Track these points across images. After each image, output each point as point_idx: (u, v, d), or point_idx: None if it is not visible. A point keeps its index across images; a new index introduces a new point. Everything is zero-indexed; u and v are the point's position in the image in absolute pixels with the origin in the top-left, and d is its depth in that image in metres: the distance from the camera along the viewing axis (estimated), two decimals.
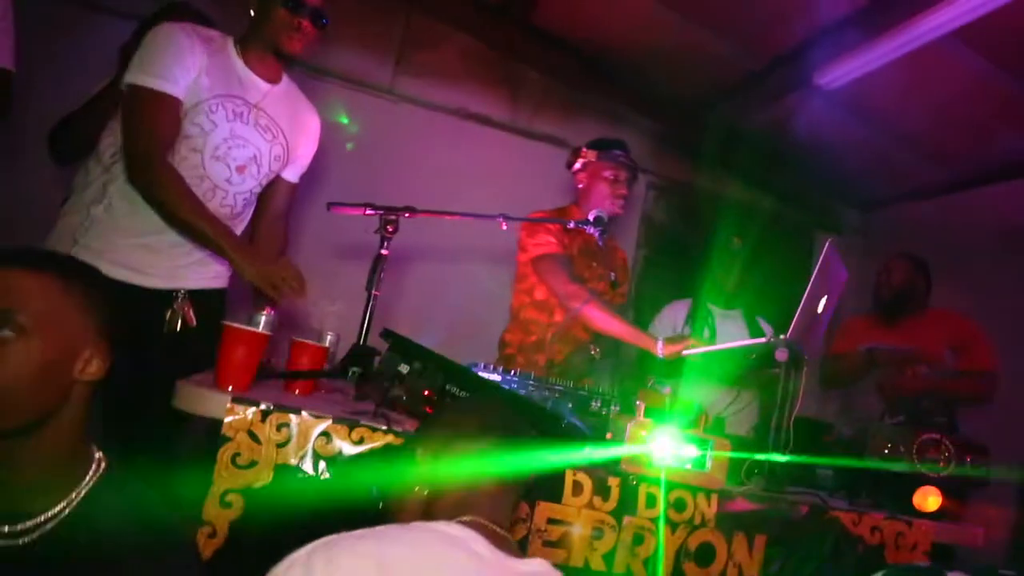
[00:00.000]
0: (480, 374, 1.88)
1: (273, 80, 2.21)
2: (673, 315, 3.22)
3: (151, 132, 1.95)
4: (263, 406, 1.46)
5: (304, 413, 1.47)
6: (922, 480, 1.97)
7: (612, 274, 2.73)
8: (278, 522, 1.42)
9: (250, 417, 1.45)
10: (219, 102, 2.08)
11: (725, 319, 3.29)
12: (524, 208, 2.62)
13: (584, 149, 2.77)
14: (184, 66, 2.00)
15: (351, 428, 1.49)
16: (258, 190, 2.25)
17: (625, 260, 2.92)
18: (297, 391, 1.85)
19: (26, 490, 1.08)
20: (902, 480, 1.98)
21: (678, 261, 4.72)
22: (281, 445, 1.45)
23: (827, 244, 1.98)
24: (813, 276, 1.92)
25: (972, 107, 3.87)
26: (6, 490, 1.08)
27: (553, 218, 2.60)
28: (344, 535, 0.99)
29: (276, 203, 2.33)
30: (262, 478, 1.44)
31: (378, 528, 1.03)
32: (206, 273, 2.18)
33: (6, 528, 1.06)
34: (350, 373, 1.83)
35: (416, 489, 1.18)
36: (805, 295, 1.92)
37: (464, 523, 1.09)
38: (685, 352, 2.20)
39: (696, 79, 4.61)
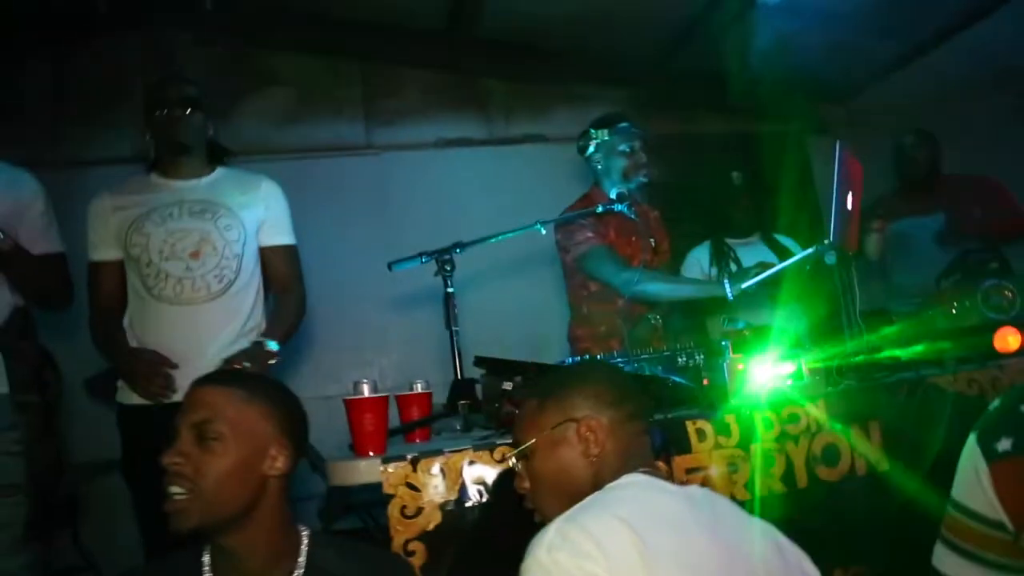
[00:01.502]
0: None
1: (196, 175, 2.41)
2: (695, 263, 3.33)
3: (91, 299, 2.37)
4: (410, 456, 1.60)
5: (446, 452, 1.62)
6: (996, 325, 2.09)
7: (652, 240, 2.84)
8: (460, 554, 1.56)
9: (404, 471, 1.59)
10: (143, 219, 2.31)
11: (746, 249, 3.41)
12: (527, 210, 2.66)
13: (592, 131, 2.83)
14: (101, 230, 2.35)
15: (491, 451, 1.63)
16: (237, 261, 2.34)
17: (659, 219, 2.99)
18: (417, 440, 1.99)
19: (259, 571, 1.29)
20: (978, 332, 2.11)
21: (694, 210, 4.84)
22: (437, 487, 1.60)
23: (838, 146, 2.11)
24: (836, 179, 2.06)
25: None
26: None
27: (584, 210, 2.70)
28: (568, 513, 1.10)
29: (273, 271, 2.46)
30: (433, 520, 1.59)
31: (586, 501, 1.14)
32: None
33: None
34: (459, 406, 1.98)
35: (591, 455, 1.25)
36: (835, 198, 2.05)
37: (644, 473, 1.22)
38: (747, 284, 2.32)
39: (647, 34, 4.73)
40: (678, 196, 5.05)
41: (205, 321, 2.29)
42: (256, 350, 2.25)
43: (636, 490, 1.17)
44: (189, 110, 2.34)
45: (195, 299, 2.26)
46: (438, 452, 1.62)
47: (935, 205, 3.38)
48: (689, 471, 1.70)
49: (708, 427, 1.73)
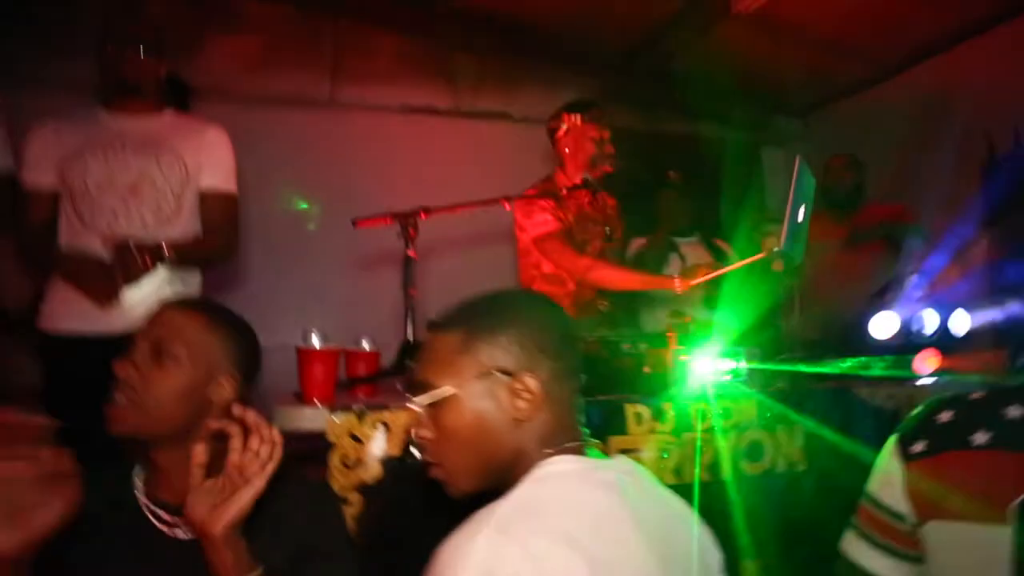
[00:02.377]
0: None
1: (145, 112, 2.39)
2: (635, 253, 3.45)
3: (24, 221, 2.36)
4: (357, 408, 1.63)
5: (393, 408, 1.66)
6: (919, 346, 2.22)
7: (607, 228, 2.90)
8: (397, 509, 1.61)
9: (349, 421, 1.62)
10: (84, 150, 2.29)
11: (688, 246, 3.54)
12: (485, 187, 2.67)
13: (566, 114, 2.85)
14: (40, 155, 2.32)
15: None
16: (176, 201, 2.35)
17: (615, 207, 3.04)
18: (360, 395, 2.02)
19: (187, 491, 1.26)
20: (903, 351, 2.24)
21: (639, 203, 4.94)
22: (380, 441, 1.64)
23: (797, 160, 2.20)
24: (792, 191, 2.15)
25: (878, 5, 4.14)
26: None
27: (548, 191, 2.74)
28: (498, 518, 0.94)
29: (206, 215, 2.44)
30: (372, 472, 1.62)
31: (515, 501, 0.98)
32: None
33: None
34: (407, 367, 2.01)
35: (520, 418, 1.06)
36: (789, 210, 2.14)
37: (574, 452, 1.07)
38: (697, 281, 2.41)
39: (622, 28, 4.79)
40: (635, 188, 5.18)
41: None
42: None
43: (569, 485, 1.02)
44: (141, 50, 2.31)
45: (129, 232, 2.25)
46: (384, 408, 1.66)
47: (843, 233, 3.54)
48: (624, 451, 1.77)
49: (646, 412, 1.81)
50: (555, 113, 2.90)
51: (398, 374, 2.03)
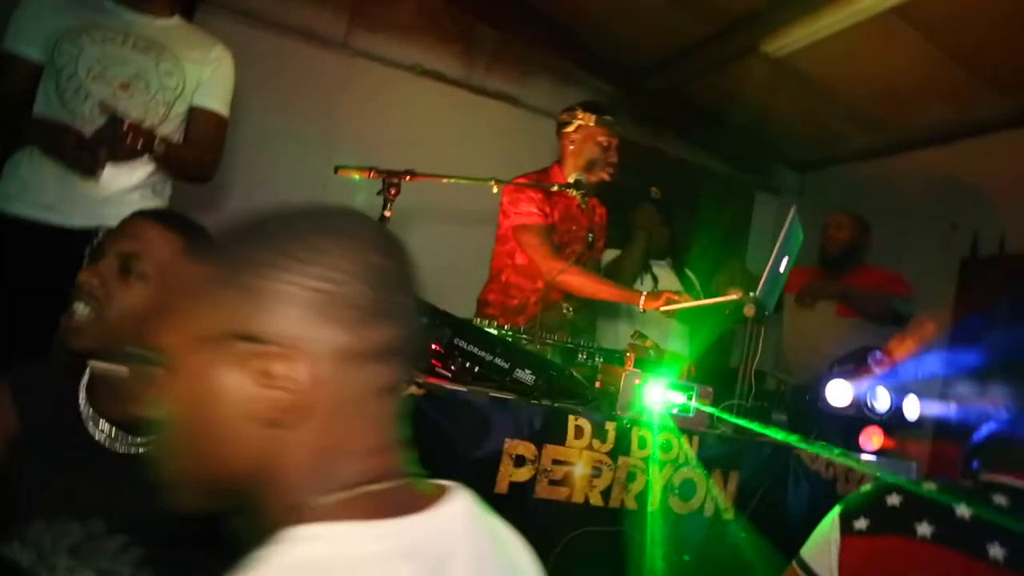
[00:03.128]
0: (489, 329, 2.01)
1: (154, 12, 2.28)
2: (608, 264, 3.41)
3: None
4: None
5: None
6: (866, 421, 2.21)
7: (590, 234, 2.85)
8: None
9: None
10: (81, 31, 2.17)
11: (659, 268, 3.51)
12: (477, 166, 2.66)
13: (580, 111, 2.77)
14: (31, 23, 2.18)
15: None
16: (167, 108, 2.26)
17: (604, 216, 2.99)
18: None
19: (135, 411, 1.21)
20: (850, 422, 2.22)
21: (619, 216, 4.90)
22: None
23: (792, 211, 2.17)
24: (781, 241, 2.12)
25: (905, 80, 4.14)
26: (130, 413, 1.22)
27: (539, 183, 2.68)
28: None
29: (193, 132, 2.35)
30: None
31: None
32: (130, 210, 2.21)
33: (133, 439, 1.23)
34: None
35: (280, 420, 0.67)
36: (772, 257, 2.11)
37: (365, 505, 0.67)
38: (663, 308, 2.36)
39: (648, 41, 4.73)
40: (612, 199, 5.14)
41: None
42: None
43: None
44: None
45: (97, 176, 2.13)
46: None
47: (834, 291, 3.48)
48: (556, 462, 1.72)
49: (587, 427, 1.76)
50: (569, 107, 2.84)
51: None
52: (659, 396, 1.84)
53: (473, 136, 4.68)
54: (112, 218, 2.07)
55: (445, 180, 2.19)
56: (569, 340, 2.16)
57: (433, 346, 1.83)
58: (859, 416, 2.21)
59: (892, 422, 2.24)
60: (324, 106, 4.50)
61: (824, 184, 5.33)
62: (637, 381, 1.81)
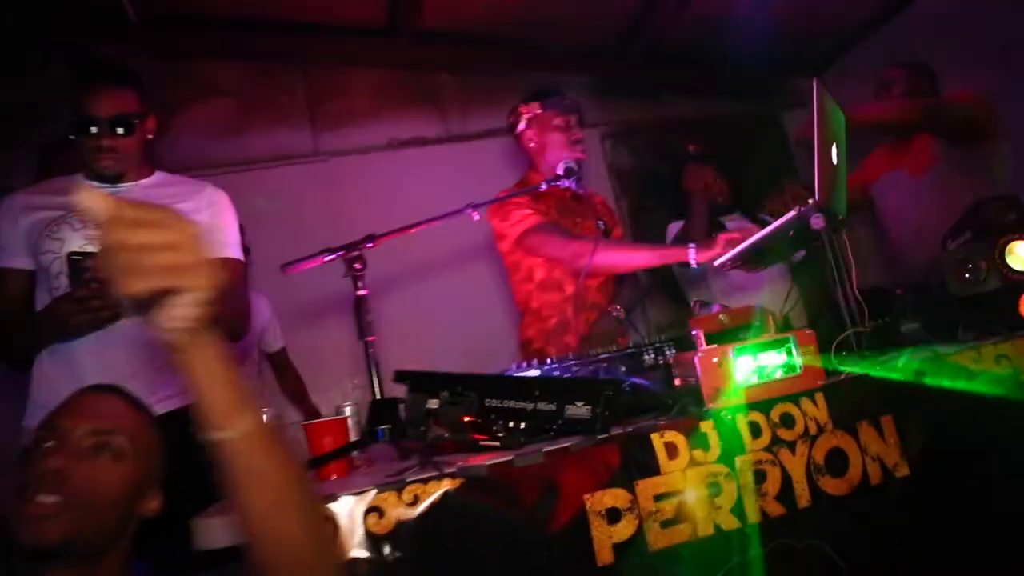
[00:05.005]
0: (517, 375, 1.66)
1: (131, 177, 2.07)
2: (675, 238, 3.06)
3: None
4: None
5: (342, 496, 1.25)
6: (1020, 287, 1.74)
7: (600, 222, 2.52)
8: None
9: None
10: (60, 222, 1.96)
11: (732, 223, 3.14)
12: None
13: (523, 105, 2.56)
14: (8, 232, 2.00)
15: (400, 491, 1.26)
16: None
17: (605, 203, 2.74)
18: (335, 477, 1.63)
19: None
20: (998, 298, 1.76)
21: (666, 197, 4.50)
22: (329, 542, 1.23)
23: (815, 84, 1.76)
24: (815, 124, 1.71)
25: None
26: None
27: (520, 190, 2.38)
28: None
29: None
30: None
31: None
32: (159, 396, 1.92)
33: None
34: (380, 433, 1.62)
35: None
36: (816, 148, 1.70)
37: None
38: (721, 256, 1.97)
39: (603, 17, 4.42)
40: (653, 183, 4.76)
41: (123, 346, 1.91)
42: None
43: None
44: (122, 130, 1.98)
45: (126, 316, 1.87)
46: (330, 497, 1.25)
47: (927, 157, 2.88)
48: (659, 497, 1.33)
49: (680, 439, 1.36)
50: (511, 110, 2.61)
51: (368, 444, 1.63)
52: (751, 366, 1.43)
53: (472, 182, 4.38)
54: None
55: (414, 230, 1.87)
56: (630, 345, 1.78)
57: (466, 419, 1.49)
58: (1005, 284, 1.75)
59: None
60: (315, 213, 4.32)
61: (849, 76, 4.80)
62: (715, 358, 1.41)
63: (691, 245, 2.12)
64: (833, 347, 1.68)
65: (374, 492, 1.25)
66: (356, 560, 1.22)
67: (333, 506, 1.24)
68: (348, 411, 1.81)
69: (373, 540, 1.24)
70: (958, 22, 3.76)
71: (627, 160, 4.89)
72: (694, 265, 2.13)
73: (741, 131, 4.81)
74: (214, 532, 1.28)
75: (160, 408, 1.89)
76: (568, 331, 2.32)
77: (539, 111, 2.52)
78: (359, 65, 4.65)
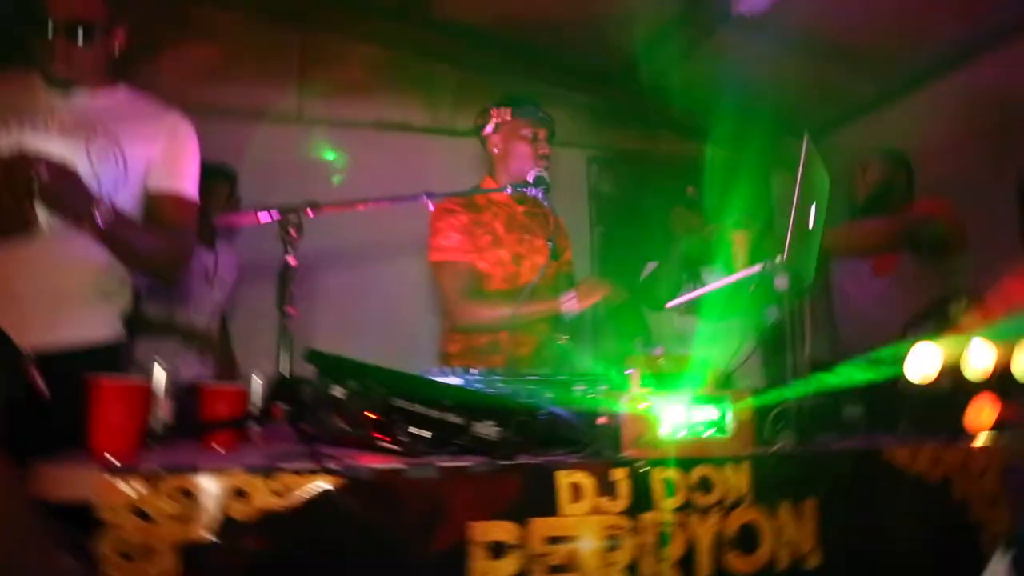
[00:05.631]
0: (435, 379, 1.54)
1: (88, 84, 1.86)
2: (647, 277, 2.97)
3: None
4: (146, 470, 1.10)
5: (204, 469, 1.12)
6: (971, 391, 1.67)
7: (550, 241, 2.41)
8: None
9: (134, 490, 1.09)
10: (3, 120, 1.75)
11: (710, 276, 3.07)
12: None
13: (495, 109, 2.44)
14: None
15: (270, 477, 1.14)
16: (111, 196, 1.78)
17: (561, 225, 2.59)
18: (220, 448, 1.50)
19: None
20: (948, 398, 1.69)
21: (638, 232, 4.44)
22: (183, 519, 1.10)
23: (805, 141, 1.68)
24: (797, 181, 1.63)
25: (900, 6, 3.65)
26: None
27: (476, 190, 2.30)
28: None
29: (160, 218, 1.88)
30: (165, 568, 1.08)
31: None
32: (64, 325, 1.76)
33: None
34: (277, 411, 1.48)
35: None
36: (793, 206, 1.62)
37: None
38: (674, 304, 1.87)
39: (614, 40, 4.35)
40: (629, 215, 4.69)
41: (45, 259, 1.73)
42: None
43: None
44: (81, 38, 1.77)
45: (43, 231, 1.70)
46: (193, 469, 1.12)
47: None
48: (552, 540, 1.22)
49: (588, 482, 1.26)
50: (481, 110, 2.49)
51: (264, 420, 1.51)
52: (681, 418, 1.33)
53: (451, 180, 4.29)
54: (36, 333, 1.71)
55: (363, 207, 1.75)
56: (556, 373, 1.68)
57: (369, 414, 1.37)
58: (956, 387, 1.68)
59: (1001, 387, 1.70)
60: (289, 179, 4.16)
61: (843, 148, 4.78)
62: (643, 404, 1.31)
63: (570, 295, 2.14)
64: (771, 416, 1.58)
65: (242, 474, 1.13)
66: (211, 545, 1.09)
67: (197, 479, 1.11)
68: (255, 383, 1.68)
69: (232, 526, 1.11)
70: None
71: (610, 187, 4.83)
72: (564, 311, 2.13)
73: (728, 180, 4.75)
74: (62, 483, 1.15)
75: (38, 340, 1.73)
76: (497, 353, 2.22)
77: (508, 118, 2.41)
78: (357, 38, 4.52)
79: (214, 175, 3.34)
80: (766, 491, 1.38)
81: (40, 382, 1.60)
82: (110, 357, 1.77)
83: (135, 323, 3.14)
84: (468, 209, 2.36)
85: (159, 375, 1.50)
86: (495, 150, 2.44)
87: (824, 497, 1.42)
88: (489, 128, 2.44)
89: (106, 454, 1.20)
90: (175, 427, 1.49)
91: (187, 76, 4.18)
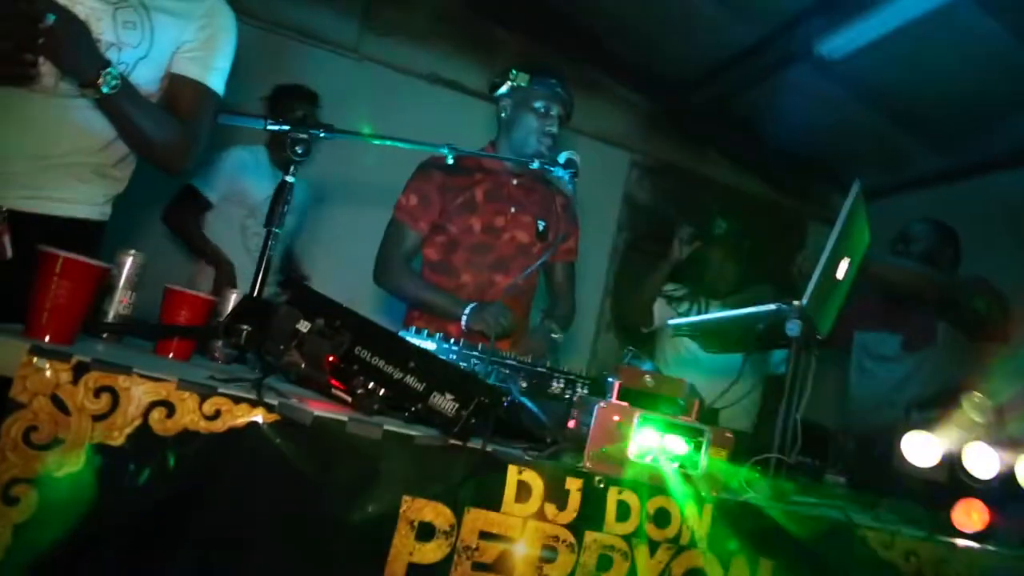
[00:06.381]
0: (408, 338, 1.45)
1: None
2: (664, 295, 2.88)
3: None
4: (75, 359, 1.02)
5: (136, 373, 1.03)
6: (963, 490, 1.56)
7: (541, 222, 2.31)
8: (86, 531, 0.99)
9: (57, 376, 1.01)
10: None
11: (720, 308, 2.97)
12: None
13: (514, 70, 2.28)
14: None
15: (203, 398, 1.05)
16: (123, 70, 1.61)
17: (567, 207, 2.43)
18: (172, 355, 1.42)
19: None
20: (938, 493, 1.58)
21: (661, 248, 4.33)
22: (100, 417, 1.01)
23: (855, 187, 1.57)
24: (837, 227, 1.51)
25: (983, 83, 3.49)
26: None
27: (488, 153, 2.22)
28: None
29: (174, 107, 1.73)
30: (68, 463, 1.00)
31: None
32: (49, 193, 1.65)
33: None
34: (239, 332, 1.40)
35: None
36: (827, 253, 1.51)
37: None
38: (676, 322, 1.77)
39: (688, 50, 4.22)
40: (657, 227, 4.57)
41: (43, 119, 1.62)
42: None
43: None
44: None
45: (46, 89, 1.58)
46: (125, 369, 1.04)
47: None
48: (485, 536, 1.13)
49: (538, 484, 1.16)
50: (501, 70, 2.34)
51: (222, 338, 1.42)
52: (651, 441, 1.23)
53: (483, 142, 4.21)
54: (14, 195, 1.61)
55: (377, 142, 1.65)
56: (546, 363, 1.58)
57: (329, 357, 1.28)
58: (952, 483, 1.58)
59: (999, 492, 1.59)
60: (331, 110, 4.07)
61: (888, 215, 4.63)
62: (617, 418, 1.22)
63: (471, 306, 2.07)
64: (749, 464, 1.48)
65: (173, 386, 1.04)
66: (120, 451, 1.01)
67: (121, 379, 1.03)
68: (230, 297, 1.60)
69: (146, 439, 1.02)
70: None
71: (646, 195, 4.70)
72: (463, 327, 2.05)
73: (767, 218, 4.63)
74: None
75: (18, 201, 1.63)
76: (450, 321, 2.12)
77: (524, 84, 2.26)
78: None
79: (295, 95, 3.27)
80: (724, 540, 1.28)
81: (6, 243, 1.51)
82: (88, 237, 1.68)
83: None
84: (449, 171, 2.20)
85: (128, 264, 1.42)
86: (503, 115, 2.32)
87: (784, 560, 1.33)
88: (503, 89, 2.30)
89: (44, 333, 1.12)
90: (134, 323, 1.41)
91: None
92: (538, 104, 2.23)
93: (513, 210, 2.30)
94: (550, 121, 2.24)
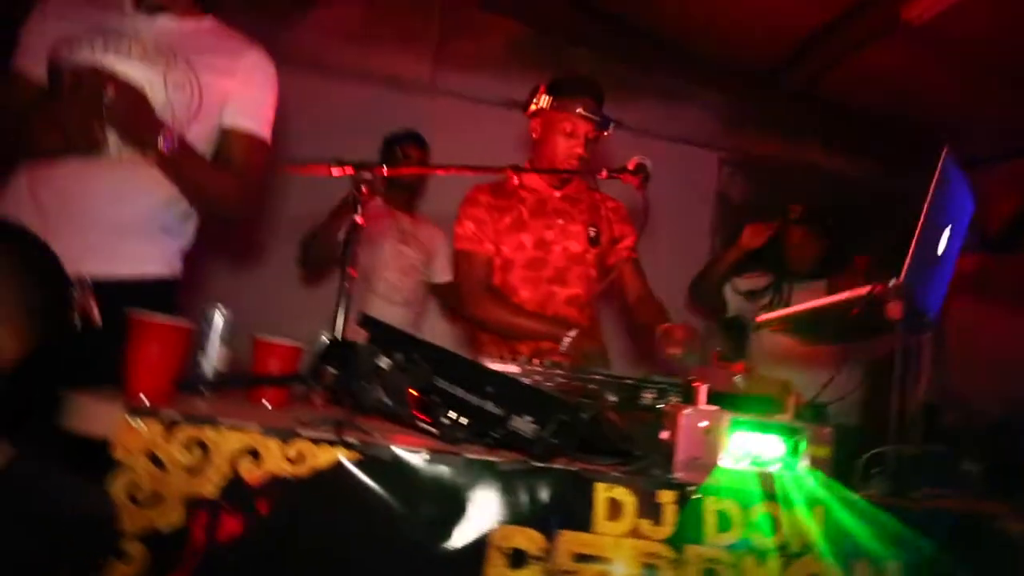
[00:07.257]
0: (490, 365, 1.45)
1: (175, 11, 1.82)
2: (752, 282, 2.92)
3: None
4: (166, 416, 1.06)
5: (221, 423, 1.07)
6: None
7: (592, 229, 2.27)
8: None
9: (151, 434, 1.06)
10: (83, 40, 1.71)
11: (803, 290, 2.94)
12: None
13: (540, 93, 2.25)
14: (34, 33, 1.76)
15: (284, 441, 1.07)
16: (177, 128, 1.74)
17: (618, 210, 2.41)
18: (267, 403, 1.47)
19: None
20: None
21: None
22: (192, 471, 1.05)
23: (943, 153, 1.46)
24: (929, 200, 1.41)
25: None
26: None
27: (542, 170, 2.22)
28: None
29: (224, 158, 1.85)
30: (171, 519, 1.04)
31: None
32: (123, 257, 1.74)
33: None
34: (325, 375, 1.43)
35: None
36: (920, 227, 1.40)
37: None
38: (767, 317, 1.68)
39: (766, 36, 4.08)
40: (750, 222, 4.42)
41: (109, 185, 1.73)
42: None
43: None
44: None
45: (111, 156, 1.70)
46: (210, 421, 1.07)
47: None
48: (580, 558, 1.10)
49: (630, 500, 1.13)
50: (533, 87, 2.30)
51: (310, 383, 1.46)
52: (748, 445, 1.17)
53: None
54: (97, 262, 1.68)
55: (441, 172, 1.67)
56: (633, 376, 1.53)
57: (411, 391, 1.29)
58: None
59: None
60: None
61: (997, 186, 4.29)
62: (704, 422, 1.16)
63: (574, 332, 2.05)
64: (863, 459, 1.39)
65: (258, 433, 1.07)
66: (215, 502, 1.04)
67: (208, 430, 1.06)
68: (321, 343, 1.64)
69: (239, 486, 1.06)
70: None
71: (740, 193, 4.56)
72: (562, 349, 2.01)
73: (870, 199, 4.39)
74: (89, 416, 1.13)
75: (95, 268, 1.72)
76: (523, 342, 2.14)
77: (547, 107, 2.23)
78: (502, 13, 4.47)
79: (407, 139, 3.41)
80: (842, 543, 1.20)
81: (95, 310, 1.60)
82: (163, 293, 1.76)
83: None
84: (493, 193, 2.26)
85: (217, 321, 1.48)
86: (534, 134, 2.31)
87: (914, 563, 1.23)
88: (532, 109, 2.28)
89: (140, 394, 1.18)
90: (223, 376, 1.46)
91: (324, 38, 4.27)
92: (565, 124, 2.21)
93: (561, 221, 2.29)
94: (575, 142, 2.20)
